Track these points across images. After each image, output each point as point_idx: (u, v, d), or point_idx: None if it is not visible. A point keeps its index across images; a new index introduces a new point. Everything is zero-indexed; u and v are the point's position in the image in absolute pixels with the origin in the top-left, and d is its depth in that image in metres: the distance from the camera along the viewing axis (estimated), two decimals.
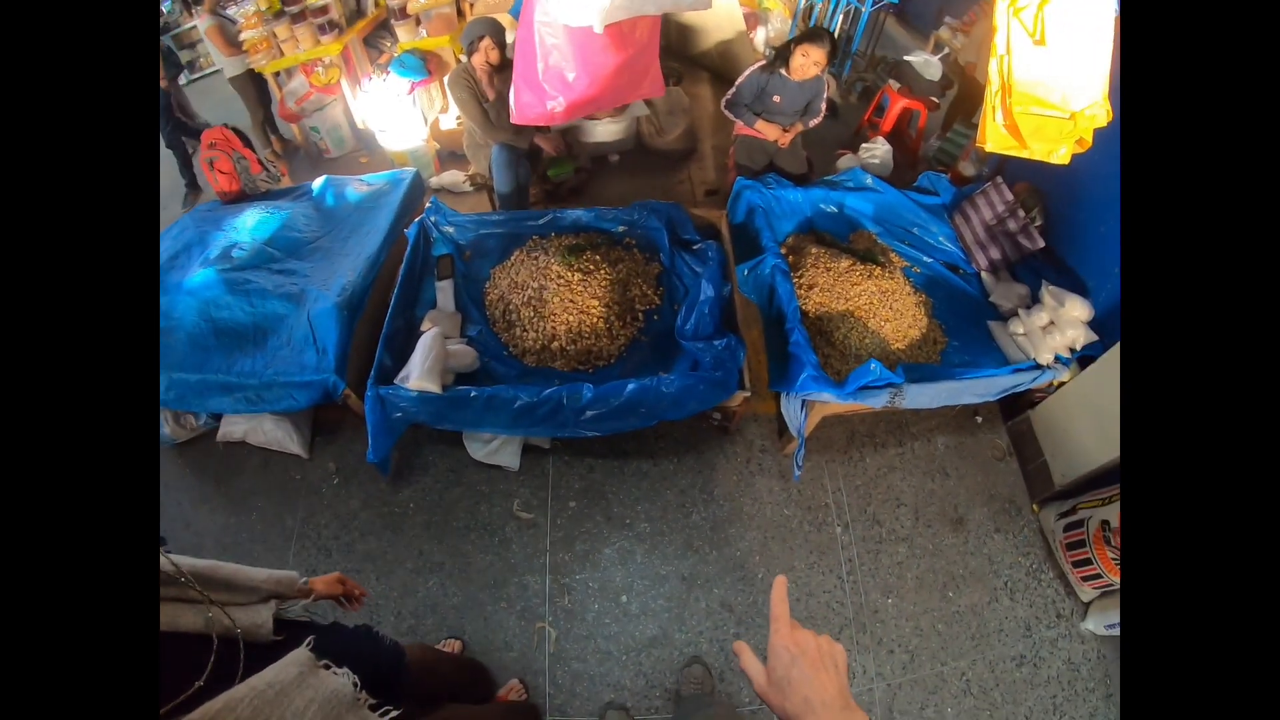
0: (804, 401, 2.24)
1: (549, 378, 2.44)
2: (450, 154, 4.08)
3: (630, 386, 2.14)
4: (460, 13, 4.29)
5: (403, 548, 2.43)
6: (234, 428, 2.87)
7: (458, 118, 3.68)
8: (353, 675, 0.91)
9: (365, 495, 2.59)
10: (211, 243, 3.12)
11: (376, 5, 4.68)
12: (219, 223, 3.29)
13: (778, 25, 4.95)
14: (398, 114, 3.86)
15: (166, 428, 3.01)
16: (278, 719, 0.77)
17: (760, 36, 4.95)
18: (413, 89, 3.85)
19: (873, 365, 2.08)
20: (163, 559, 0.88)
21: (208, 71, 7.37)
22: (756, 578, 2.30)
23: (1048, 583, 2.33)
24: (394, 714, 0.92)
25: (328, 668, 0.89)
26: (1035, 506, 2.50)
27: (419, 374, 2.25)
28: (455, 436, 2.57)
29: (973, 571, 2.34)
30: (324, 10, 4.23)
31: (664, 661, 2.13)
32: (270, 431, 2.77)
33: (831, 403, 2.19)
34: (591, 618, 2.23)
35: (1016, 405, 2.65)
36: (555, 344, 2.47)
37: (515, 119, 2.57)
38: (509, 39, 3.14)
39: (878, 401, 2.17)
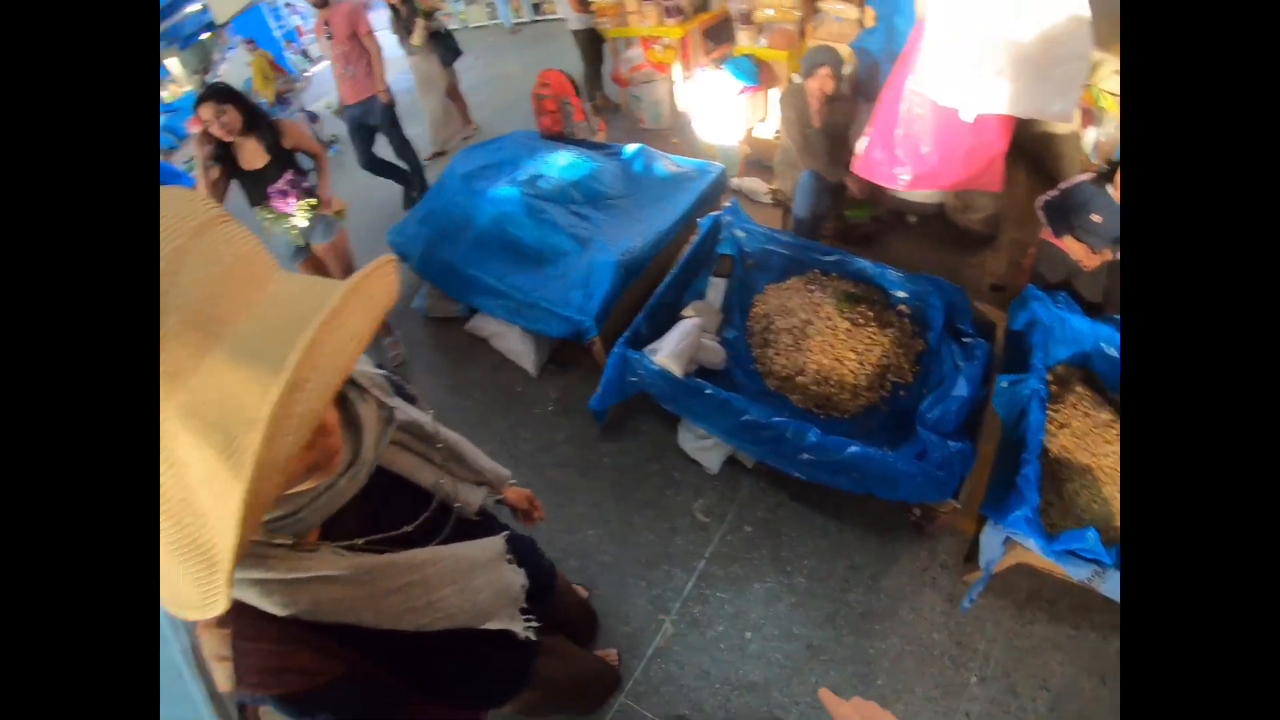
0: (1008, 539, 2.08)
1: (781, 406, 2.48)
2: (757, 162, 4.16)
3: (853, 448, 2.10)
4: (802, 34, 4.40)
5: (583, 492, 2.60)
6: (484, 325, 3.26)
7: (776, 131, 3.77)
8: (524, 577, 1.01)
9: (572, 431, 2.81)
10: (522, 166, 3.53)
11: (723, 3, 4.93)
12: (534, 152, 3.71)
13: (1110, 130, 4.50)
14: (720, 110, 4.06)
15: (426, 300, 3.52)
16: (459, 588, 0.87)
17: (1091, 137, 4.54)
18: (742, 91, 4.02)
19: (1089, 534, 1.87)
20: (429, 421, 1.00)
21: (550, 17, 8.24)
22: (875, 682, 2.15)
23: None
24: (535, 625, 1.02)
25: (511, 562, 0.99)
26: None
27: (668, 353, 2.38)
28: (672, 419, 2.67)
29: None
30: None
31: (750, 710, 2.09)
32: (514, 343, 3.10)
33: (1033, 552, 2.01)
34: (711, 636, 2.24)
35: None
36: (800, 379, 2.50)
37: (858, 170, 2.60)
38: (846, 71, 3.19)
39: (1078, 573, 1.93)
